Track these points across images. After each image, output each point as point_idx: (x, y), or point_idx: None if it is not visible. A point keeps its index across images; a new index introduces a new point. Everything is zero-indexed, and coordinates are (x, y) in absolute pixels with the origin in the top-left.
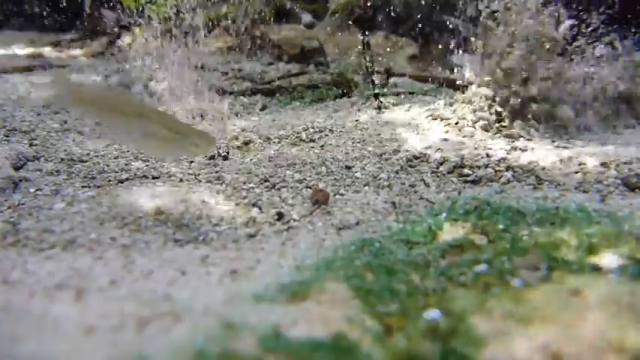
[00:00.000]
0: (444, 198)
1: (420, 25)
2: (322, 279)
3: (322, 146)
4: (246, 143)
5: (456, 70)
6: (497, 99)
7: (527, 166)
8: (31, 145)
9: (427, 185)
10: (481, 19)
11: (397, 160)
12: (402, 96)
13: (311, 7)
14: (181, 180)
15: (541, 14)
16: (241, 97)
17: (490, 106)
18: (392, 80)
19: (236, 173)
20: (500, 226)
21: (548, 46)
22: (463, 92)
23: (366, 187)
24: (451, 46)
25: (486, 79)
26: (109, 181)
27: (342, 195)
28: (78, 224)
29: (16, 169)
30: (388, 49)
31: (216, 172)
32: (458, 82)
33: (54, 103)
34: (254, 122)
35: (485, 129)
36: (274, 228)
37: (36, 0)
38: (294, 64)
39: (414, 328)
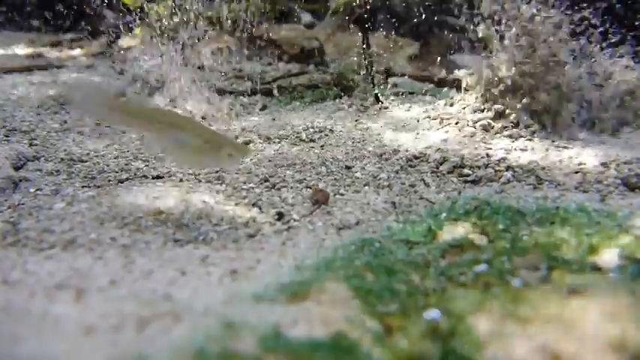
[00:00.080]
0: (444, 198)
1: (420, 25)
2: (322, 279)
3: (322, 146)
4: (246, 143)
5: (456, 70)
6: (498, 99)
7: (527, 166)
8: (31, 145)
9: (427, 185)
10: (481, 26)
11: (397, 160)
12: (402, 96)
13: (311, 7)
14: (181, 180)
15: (544, 18)
16: (241, 97)
17: (490, 106)
18: (392, 80)
19: (236, 173)
20: (500, 226)
21: (553, 62)
22: (463, 92)
23: (366, 187)
24: (451, 46)
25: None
26: (109, 181)
27: (342, 195)
28: (78, 224)
29: (16, 169)
30: (388, 49)
31: (216, 172)
32: (458, 82)
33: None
34: (254, 122)
35: (485, 129)
36: (274, 228)
37: (36, 0)
38: (294, 64)
39: (414, 328)
